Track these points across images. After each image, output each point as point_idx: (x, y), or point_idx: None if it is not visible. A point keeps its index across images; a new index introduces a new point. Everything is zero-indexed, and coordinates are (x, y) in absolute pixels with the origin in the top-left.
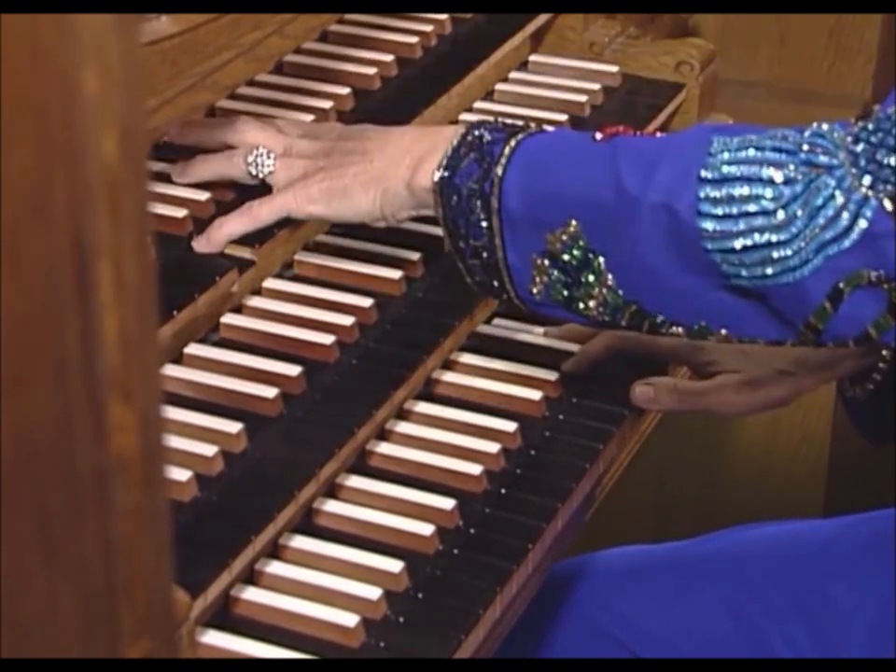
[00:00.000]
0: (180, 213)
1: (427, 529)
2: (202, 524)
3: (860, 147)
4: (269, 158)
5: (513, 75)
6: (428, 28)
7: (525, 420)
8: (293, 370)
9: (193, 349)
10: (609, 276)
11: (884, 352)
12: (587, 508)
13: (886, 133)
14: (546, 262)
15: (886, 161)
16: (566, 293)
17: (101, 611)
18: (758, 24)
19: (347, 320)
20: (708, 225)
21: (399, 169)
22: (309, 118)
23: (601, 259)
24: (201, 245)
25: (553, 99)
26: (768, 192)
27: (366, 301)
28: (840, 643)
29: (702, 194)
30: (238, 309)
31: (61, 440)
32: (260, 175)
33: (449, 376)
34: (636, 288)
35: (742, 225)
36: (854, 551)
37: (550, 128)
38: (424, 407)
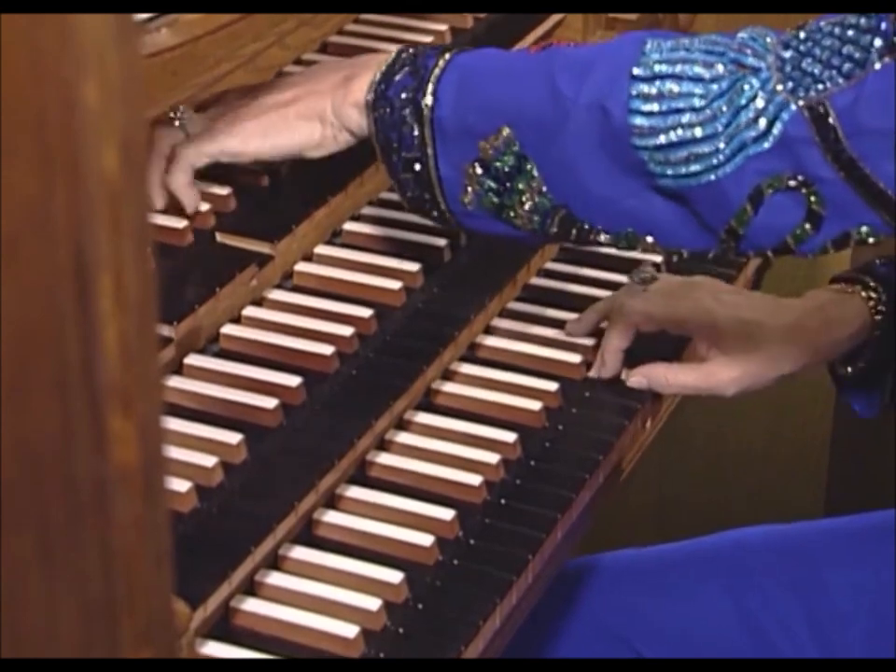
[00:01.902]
0: (180, 223)
1: (426, 540)
2: (201, 534)
3: (787, 54)
4: (183, 109)
5: None
6: (428, 39)
7: (524, 430)
8: (293, 380)
9: (193, 360)
10: (541, 181)
11: (876, 332)
12: (587, 518)
13: (815, 42)
14: (478, 170)
15: (809, 70)
16: (496, 200)
17: (101, 622)
18: None
19: (347, 331)
20: (638, 121)
21: (332, 91)
22: None
23: (533, 164)
24: (157, 197)
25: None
26: (697, 90)
27: (366, 312)
28: (840, 642)
29: (633, 91)
30: (237, 320)
31: (61, 451)
32: (186, 130)
33: (449, 387)
34: (566, 192)
35: (670, 121)
36: (854, 543)
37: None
38: (423, 417)
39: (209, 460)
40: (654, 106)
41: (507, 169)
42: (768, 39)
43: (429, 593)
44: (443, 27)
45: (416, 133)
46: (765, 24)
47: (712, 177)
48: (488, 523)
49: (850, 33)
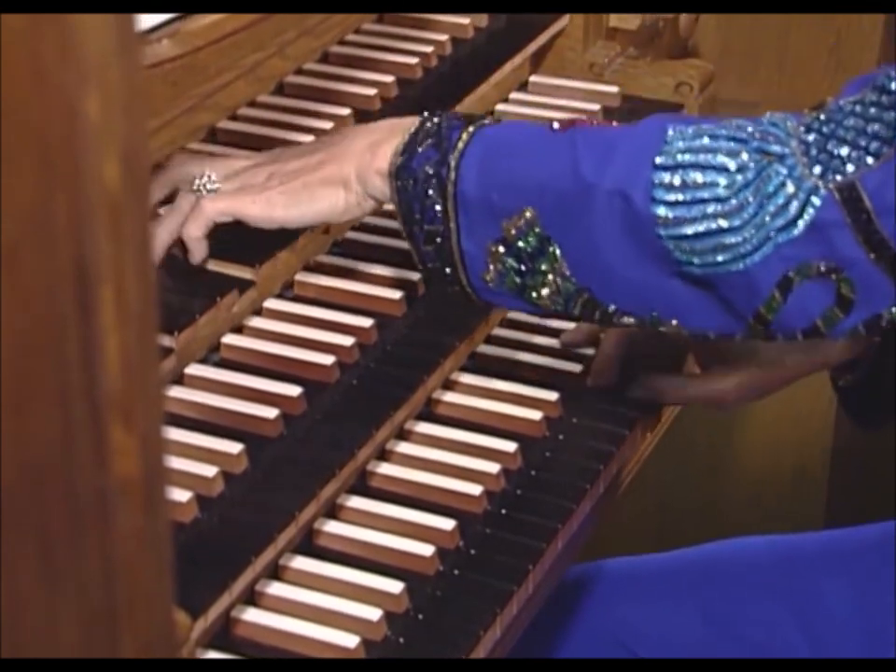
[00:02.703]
0: None
1: (427, 550)
2: (202, 545)
3: (811, 137)
4: (212, 178)
5: (514, 95)
6: (429, 49)
7: (525, 440)
8: (293, 390)
9: (194, 369)
10: (564, 264)
11: (875, 338)
12: (588, 528)
13: (837, 123)
14: (500, 249)
15: (836, 152)
16: (519, 281)
17: (102, 633)
18: (757, 45)
19: (348, 340)
20: (662, 211)
21: (358, 157)
22: (309, 138)
23: (556, 247)
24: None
25: (553, 119)
26: (721, 179)
27: (366, 322)
28: (834, 649)
29: (656, 180)
30: (239, 329)
31: (62, 462)
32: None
33: (449, 396)
34: (589, 276)
35: (695, 211)
36: (851, 554)
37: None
38: (424, 427)
39: (210, 470)
40: (678, 196)
41: (530, 250)
42: (789, 124)
43: (430, 603)
44: (444, 37)
45: (439, 207)
46: (764, 45)
47: (740, 266)
48: (489, 533)
49: (872, 111)
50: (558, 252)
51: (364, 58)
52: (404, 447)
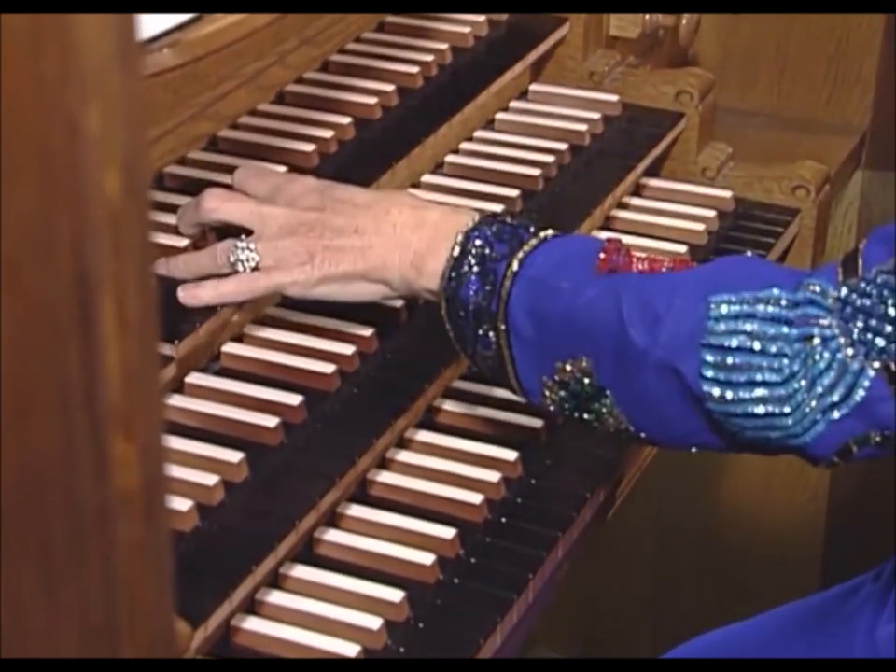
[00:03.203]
0: (182, 242)
1: (427, 558)
2: (202, 553)
3: (849, 314)
4: (250, 250)
5: (514, 104)
6: (429, 58)
7: (525, 449)
8: (294, 399)
9: (194, 378)
10: (619, 410)
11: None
12: (588, 537)
13: (873, 299)
14: (555, 386)
15: (878, 330)
16: (576, 415)
17: (102, 645)
18: (757, 54)
19: (348, 349)
20: (711, 390)
21: (401, 263)
22: (311, 147)
23: (610, 394)
24: (187, 296)
25: (553, 128)
26: (768, 364)
27: (367, 330)
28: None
29: (705, 357)
30: (239, 338)
31: (62, 474)
32: (249, 270)
33: (450, 405)
34: (645, 425)
35: (743, 393)
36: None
37: (550, 232)
38: (425, 436)
39: (210, 479)
40: (726, 377)
41: (584, 394)
42: (829, 301)
43: (430, 611)
44: (444, 46)
45: (493, 339)
46: (764, 54)
47: (795, 443)
48: (489, 541)
49: None
50: (612, 399)
51: (364, 67)
52: (404, 455)
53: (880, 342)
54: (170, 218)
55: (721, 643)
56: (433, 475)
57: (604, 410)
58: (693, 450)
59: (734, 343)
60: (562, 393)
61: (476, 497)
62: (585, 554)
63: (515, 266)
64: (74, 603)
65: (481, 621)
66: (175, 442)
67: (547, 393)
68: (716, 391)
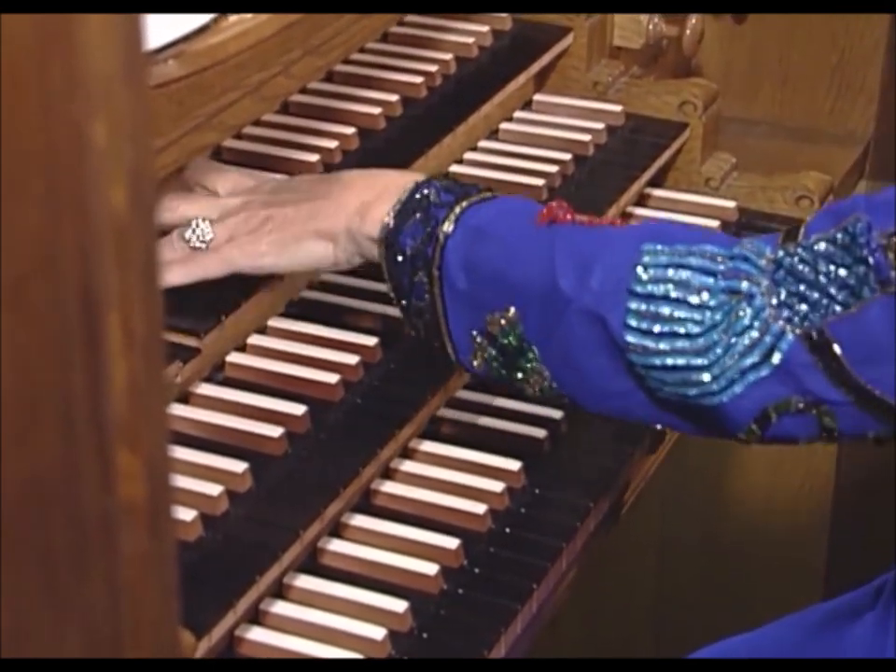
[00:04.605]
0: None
1: (431, 569)
2: (206, 564)
3: (780, 276)
4: (205, 225)
5: (518, 114)
6: (433, 68)
7: (529, 458)
8: (298, 409)
9: (198, 388)
10: (544, 368)
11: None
12: (592, 548)
13: (808, 265)
14: (485, 341)
15: (805, 296)
16: (504, 372)
17: (106, 655)
18: (760, 64)
19: (352, 359)
20: (633, 339)
21: (349, 216)
22: (315, 157)
23: (535, 351)
24: None
25: (557, 138)
26: (691, 316)
27: (371, 340)
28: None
29: (631, 306)
30: (243, 348)
31: (67, 487)
32: (204, 246)
33: (453, 415)
34: (568, 384)
35: (664, 344)
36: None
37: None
38: (428, 446)
39: (214, 489)
40: (650, 327)
41: (511, 349)
42: (761, 260)
43: (434, 622)
44: (448, 56)
45: (426, 286)
46: (768, 63)
47: (713, 401)
48: (493, 552)
49: (843, 256)
50: (538, 355)
51: (369, 77)
52: (409, 466)
53: (804, 307)
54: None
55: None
56: (437, 485)
57: (529, 366)
58: (614, 415)
59: (659, 290)
60: (491, 351)
61: (480, 508)
62: (589, 565)
63: (457, 210)
64: (78, 613)
65: (484, 631)
66: (180, 452)
67: (478, 351)
68: (638, 340)
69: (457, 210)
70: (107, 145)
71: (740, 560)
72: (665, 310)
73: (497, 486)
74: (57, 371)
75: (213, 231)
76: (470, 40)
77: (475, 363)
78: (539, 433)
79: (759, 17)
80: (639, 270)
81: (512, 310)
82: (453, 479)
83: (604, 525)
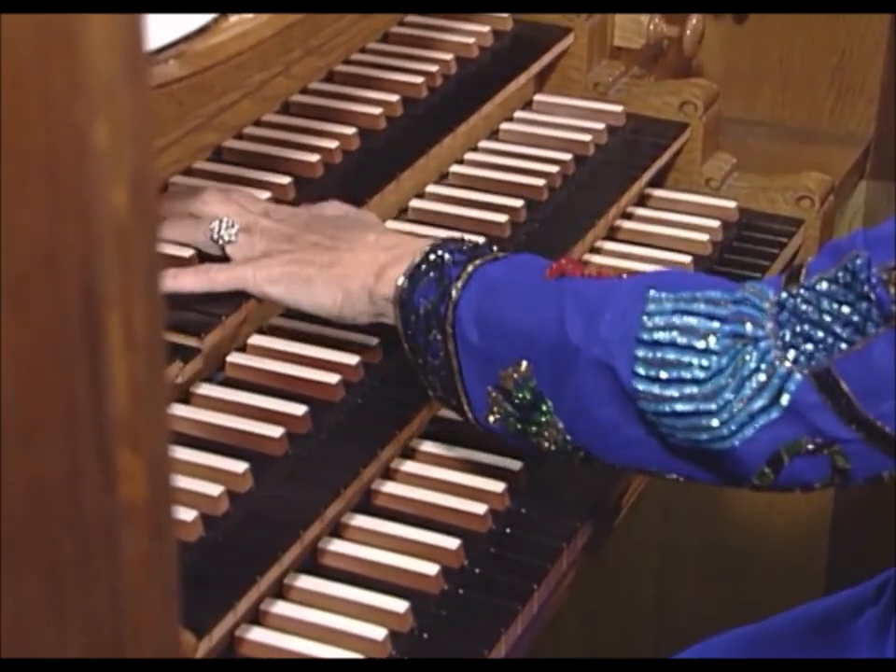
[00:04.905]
0: (187, 252)
1: (432, 569)
2: (207, 564)
3: (784, 318)
4: (232, 227)
5: (518, 114)
6: (434, 68)
7: (530, 458)
8: (299, 409)
9: (199, 388)
10: (558, 420)
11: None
12: (593, 548)
13: (810, 304)
14: (500, 396)
15: (810, 336)
16: (519, 427)
17: (108, 656)
18: (761, 64)
19: (353, 359)
20: (642, 387)
21: (365, 274)
22: (315, 157)
23: (549, 403)
24: None
25: (557, 138)
26: (697, 361)
27: (372, 340)
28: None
29: (639, 354)
30: (243, 348)
31: (69, 488)
32: (221, 243)
33: (455, 414)
34: (583, 436)
35: (672, 391)
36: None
37: (509, 253)
38: (429, 446)
39: (215, 489)
40: (657, 373)
41: (525, 403)
42: (765, 303)
43: (435, 622)
44: (449, 56)
45: (441, 345)
46: (768, 64)
47: (725, 445)
48: (493, 552)
49: (845, 293)
50: (552, 411)
51: (369, 77)
52: (409, 466)
53: (809, 347)
54: None
55: (713, 652)
56: (437, 485)
57: (544, 420)
58: (629, 465)
59: (665, 337)
60: (506, 406)
61: (481, 508)
62: (589, 565)
63: (469, 269)
64: (79, 613)
65: (485, 631)
66: (180, 453)
67: (493, 406)
68: (646, 388)
69: (470, 268)
70: (108, 145)
71: (741, 562)
72: (672, 356)
73: (497, 487)
74: (58, 372)
75: (235, 236)
76: (471, 40)
77: (491, 419)
78: None
79: (759, 17)
80: (645, 318)
81: (524, 364)
82: (453, 479)
83: (604, 526)
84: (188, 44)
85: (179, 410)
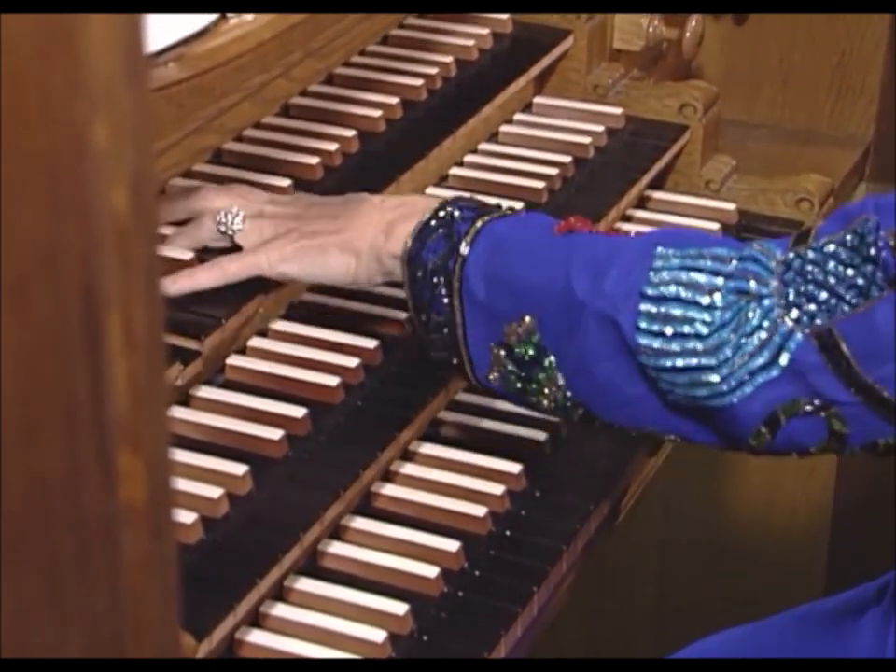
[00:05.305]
0: (187, 255)
1: (431, 571)
2: (207, 566)
3: (789, 277)
4: (239, 216)
5: (518, 116)
6: (433, 71)
7: (530, 461)
8: (298, 411)
9: (199, 391)
10: (559, 377)
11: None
12: (592, 550)
13: (817, 265)
14: (502, 353)
15: (813, 296)
16: (519, 385)
17: (107, 657)
18: (760, 66)
19: (352, 361)
20: (644, 341)
21: (374, 232)
22: (315, 160)
23: (552, 359)
24: (166, 284)
25: (557, 141)
26: (701, 317)
27: (371, 343)
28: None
29: (643, 308)
30: (243, 350)
31: (69, 488)
32: (230, 233)
33: (454, 417)
34: (583, 392)
35: (675, 345)
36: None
37: (519, 208)
38: (429, 448)
39: (215, 491)
40: (661, 328)
41: (527, 358)
42: (773, 263)
43: (434, 624)
44: (448, 59)
45: (447, 300)
46: (768, 66)
47: (723, 402)
48: (493, 554)
49: (851, 256)
50: (554, 365)
51: (369, 80)
52: (409, 468)
53: (812, 307)
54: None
55: (715, 649)
56: (437, 488)
57: (545, 376)
58: (627, 424)
59: (670, 292)
60: (508, 362)
61: (480, 510)
62: (589, 566)
63: (478, 225)
64: (79, 614)
65: (485, 634)
66: (180, 455)
67: (495, 365)
68: (649, 342)
69: (479, 224)
70: (108, 146)
71: (741, 562)
72: (676, 311)
73: (497, 489)
74: (58, 373)
75: (243, 224)
76: (470, 43)
77: (491, 377)
78: (540, 436)
79: (759, 19)
80: (651, 273)
81: (528, 318)
82: (453, 481)
83: (604, 528)
84: (187, 46)
85: (179, 412)
